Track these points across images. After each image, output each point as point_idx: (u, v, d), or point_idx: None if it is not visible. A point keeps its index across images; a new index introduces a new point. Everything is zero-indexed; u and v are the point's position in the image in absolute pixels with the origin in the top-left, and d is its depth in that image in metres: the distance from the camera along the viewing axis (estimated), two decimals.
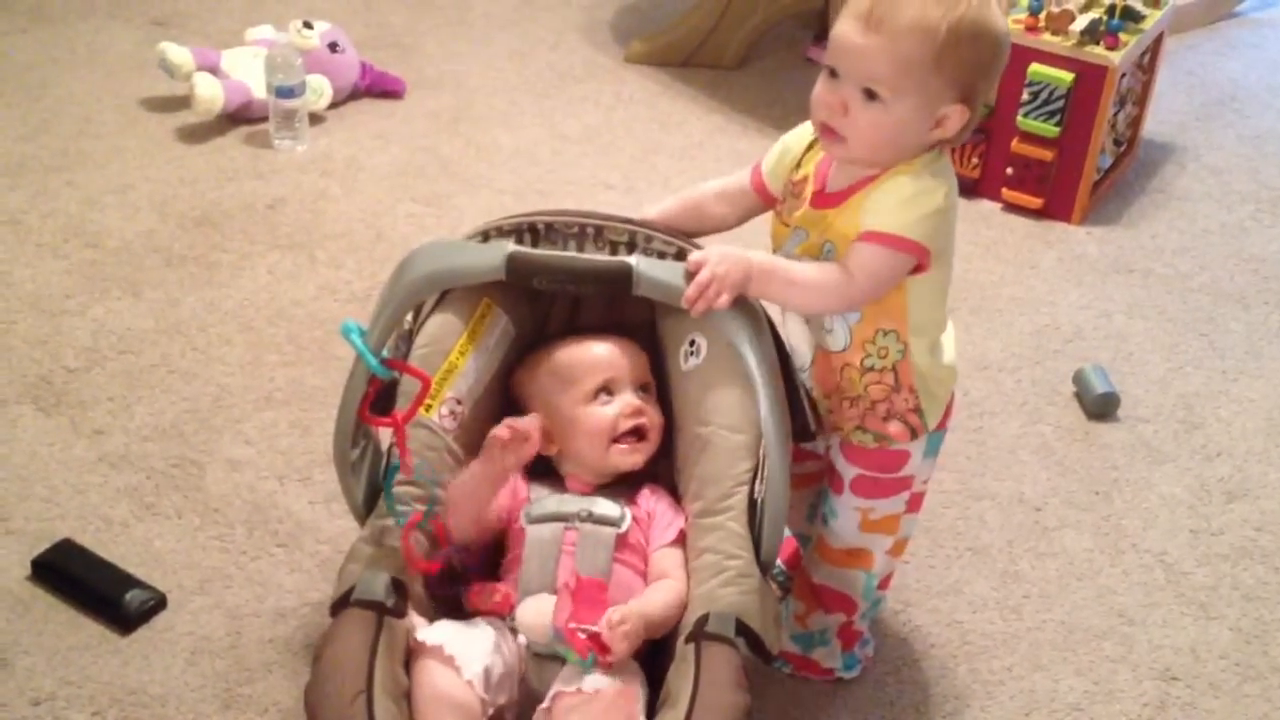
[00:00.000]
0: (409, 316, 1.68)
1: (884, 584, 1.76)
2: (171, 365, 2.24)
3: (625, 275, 1.53)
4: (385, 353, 1.56)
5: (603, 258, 1.58)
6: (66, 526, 1.92)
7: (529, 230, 1.66)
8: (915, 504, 1.70)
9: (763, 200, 1.66)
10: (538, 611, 1.53)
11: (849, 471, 1.65)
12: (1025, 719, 1.76)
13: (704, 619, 1.48)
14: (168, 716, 1.67)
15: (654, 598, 1.57)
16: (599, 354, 1.70)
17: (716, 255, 1.48)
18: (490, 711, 1.47)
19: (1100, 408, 2.28)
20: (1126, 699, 1.80)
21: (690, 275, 1.49)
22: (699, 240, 1.65)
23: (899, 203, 1.47)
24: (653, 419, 1.69)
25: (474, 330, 1.70)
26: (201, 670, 1.74)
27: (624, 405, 1.66)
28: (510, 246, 1.57)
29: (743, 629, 1.48)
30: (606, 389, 1.68)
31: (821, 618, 1.75)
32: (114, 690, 1.70)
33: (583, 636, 1.48)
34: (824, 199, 1.54)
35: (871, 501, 1.66)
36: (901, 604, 1.88)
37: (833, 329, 1.57)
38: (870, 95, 1.44)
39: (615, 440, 1.67)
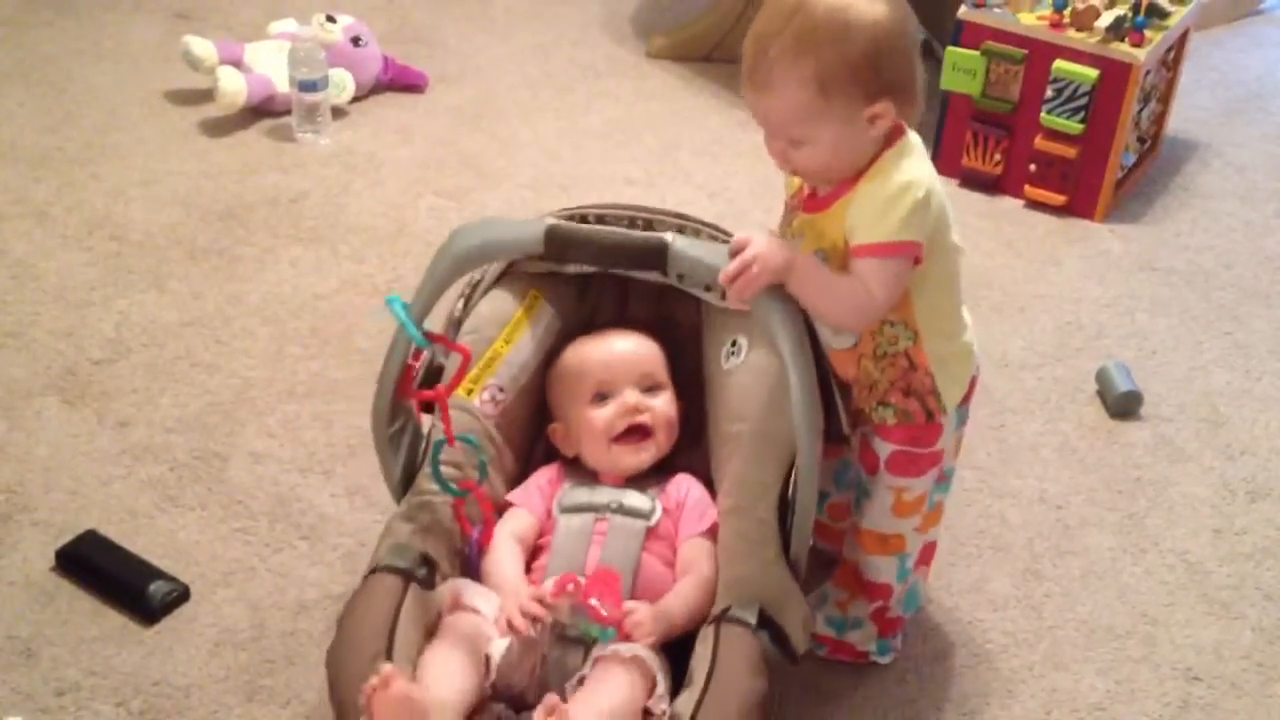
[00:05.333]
0: (458, 305, 1.70)
1: (923, 559, 1.77)
2: (195, 358, 2.25)
3: (660, 251, 1.51)
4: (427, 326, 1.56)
5: (639, 234, 1.58)
6: (91, 518, 1.93)
7: (580, 220, 1.69)
8: (941, 478, 1.70)
9: None
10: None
11: (885, 449, 1.65)
12: (1046, 717, 1.76)
13: (727, 608, 1.50)
14: (191, 707, 1.68)
15: (677, 599, 1.58)
16: (594, 356, 1.71)
17: (764, 239, 1.47)
18: (492, 678, 1.49)
19: (1123, 406, 2.27)
20: (1148, 699, 1.79)
21: (734, 254, 1.47)
22: None
23: (878, 210, 1.47)
24: (659, 415, 1.70)
25: (519, 320, 1.72)
26: (224, 662, 1.74)
27: (619, 406, 1.68)
28: (551, 220, 1.57)
29: (767, 622, 1.48)
30: (601, 392, 1.69)
31: (861, 604, 1.76)
32: (137, 681, 1.71)
33: (605, 614, 1.50)
34: (815, 203, 1.57)
35: (907, 480, 1.66)
36: (923, 600, 1.88)
37: (840, 329, 1.59)
38: (794, 142, 1.49)
39: (616, 440, 1.68)
